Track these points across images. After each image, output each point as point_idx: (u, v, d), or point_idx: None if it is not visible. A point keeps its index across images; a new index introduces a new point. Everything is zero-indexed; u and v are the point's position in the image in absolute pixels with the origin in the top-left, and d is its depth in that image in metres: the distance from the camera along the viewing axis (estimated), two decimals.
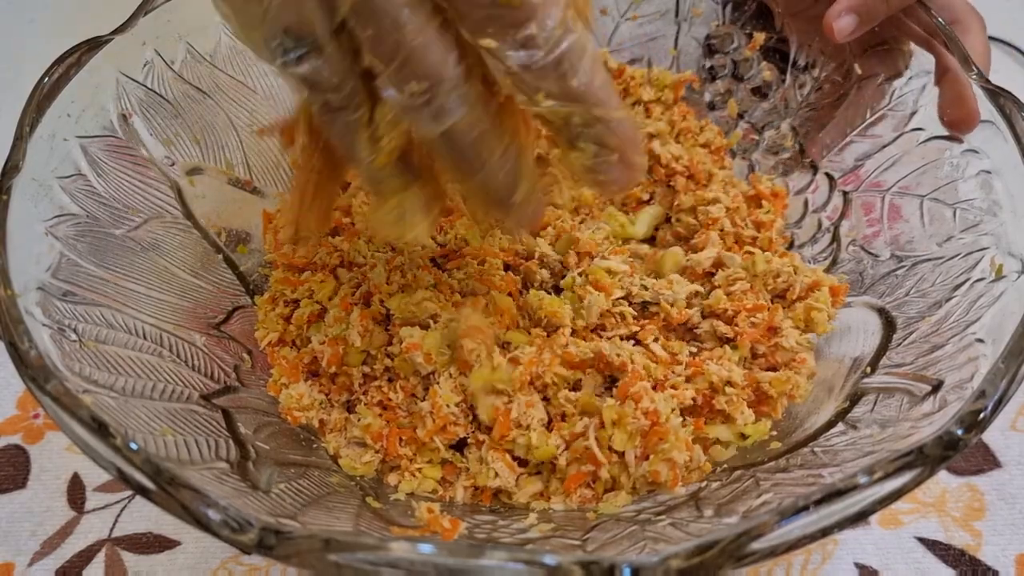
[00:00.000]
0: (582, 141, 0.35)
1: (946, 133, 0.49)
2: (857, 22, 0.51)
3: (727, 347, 0.49)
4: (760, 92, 0.63)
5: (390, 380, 0.49)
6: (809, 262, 0.55)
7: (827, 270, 0.53)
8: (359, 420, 0.48)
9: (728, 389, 0.46)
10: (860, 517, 0.30)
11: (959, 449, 0.32)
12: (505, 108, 0.35)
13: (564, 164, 0.37)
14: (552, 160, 0.41)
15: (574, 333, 0.49)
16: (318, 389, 0.49)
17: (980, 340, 0.39)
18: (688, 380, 0.47)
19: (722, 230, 0.55)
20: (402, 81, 0.32)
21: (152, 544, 0.49)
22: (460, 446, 0.47)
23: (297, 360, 0.49)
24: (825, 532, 0.30)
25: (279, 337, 0.51)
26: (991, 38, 0.55)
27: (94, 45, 0.46)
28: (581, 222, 0.55)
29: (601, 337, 0.49)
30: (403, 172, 0.37)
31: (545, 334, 0.49)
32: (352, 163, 0.37)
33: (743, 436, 0.46)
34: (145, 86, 0.50)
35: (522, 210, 0.38)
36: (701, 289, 0.51)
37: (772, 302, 0.51)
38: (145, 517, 0.50)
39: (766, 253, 0.53)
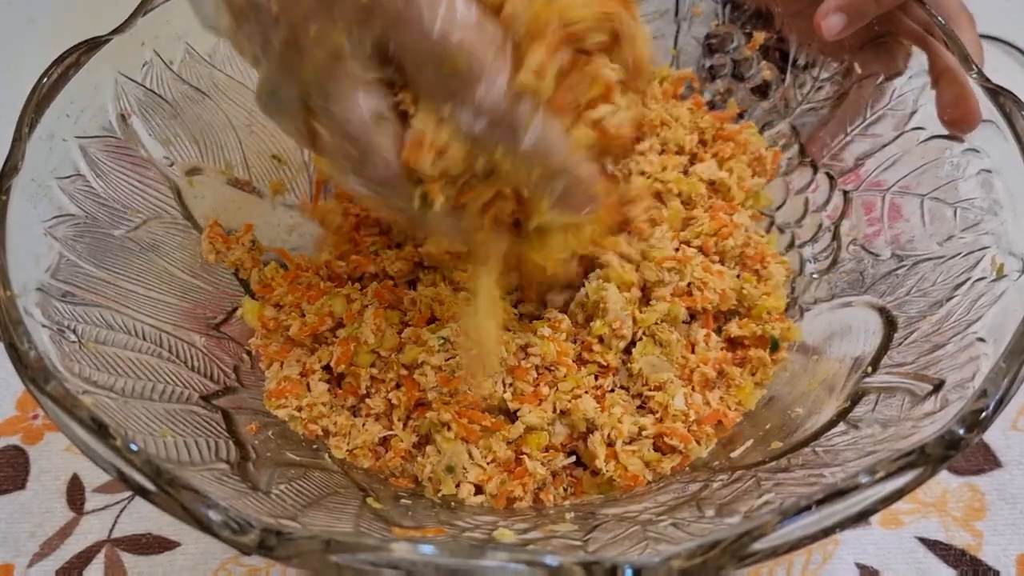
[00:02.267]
0: (545, 197, 0.38)
1: (946, 132, 0.49)
2: (846, 21, 0.51)
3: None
4: (760, 91, 0.63)
5: (398, 386, 0.49)
6: (809, 261, 0.55)
7: (828, 269, 0.53)
8: (363, 425, 0.48)
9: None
10: (862, 517, 0.30)
11: (961, 449, 0.32)
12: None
13: (539, 215, 0.40)
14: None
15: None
16: (325, 390, 0.49)
17: (981, 339, 0.39)
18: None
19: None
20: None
21: (152, 545, 0.49)
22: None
23: (298, 378, 0.49)
24: (827, 532, 0.30)
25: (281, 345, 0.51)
26: (992, 38, 0.55)
27: (93, 45, 0.46)
28: None
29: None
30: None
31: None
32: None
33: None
34: (144, 86, 0.50)
35: (481, 245, 0.42)
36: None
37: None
38: (145, 518, 0.50)
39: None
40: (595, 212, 0.40)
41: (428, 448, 0.47)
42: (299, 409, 0.48)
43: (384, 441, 0.48)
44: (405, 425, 0.48)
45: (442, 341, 0.47)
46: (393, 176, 0.36)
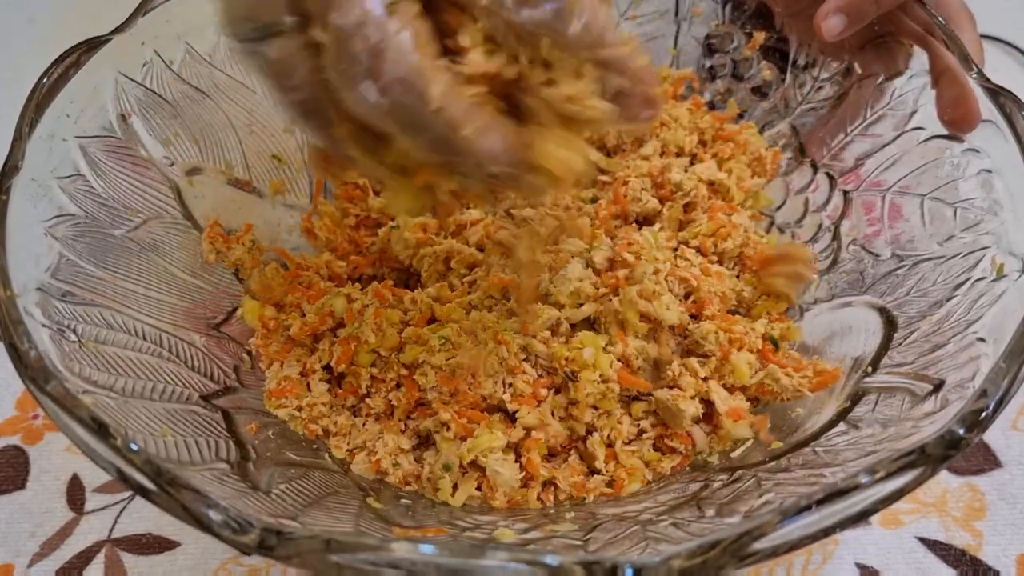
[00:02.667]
0: (598, 90, 0.34)
1: (946, 132, 0.49)
2: (846, 22, 0.52)
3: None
4: (760, 92, 0.63)
5: (398, 386, 0.49)
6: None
7: (828, 269, 0.53)
8: (364, 425, 0.48)
9: None
10: (862, 517, 0.30)
11: (961, 448, 0.32)
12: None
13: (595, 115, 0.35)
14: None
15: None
16: (325, 390, 0.49)
17: (981, 339, 0.39)
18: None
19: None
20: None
21: (152, 545, 0.49)
22: None
23: (298, 378, 0.49)
24: (827, 532, 0.30)
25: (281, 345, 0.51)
26: (992, 37, 0.55)
27: (93, 45, 0.46)
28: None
29: None
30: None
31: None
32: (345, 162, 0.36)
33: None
34: (144, 86, 0.50)
35: (528, 184, 0.36)
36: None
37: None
38: (145, 518, 0.50)
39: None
40: (656, 118, 0.38)
41: (427, 452, 0.47)
42: (299, 409, 0.48)
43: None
44: (405, 426, 0.48)
45: (443, 341, 0.47)
46: (414, 69, 0.31)
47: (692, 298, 0.51)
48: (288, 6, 0.31)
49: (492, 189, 0.37)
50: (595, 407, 0.47)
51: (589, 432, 0.47)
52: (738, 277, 0.54)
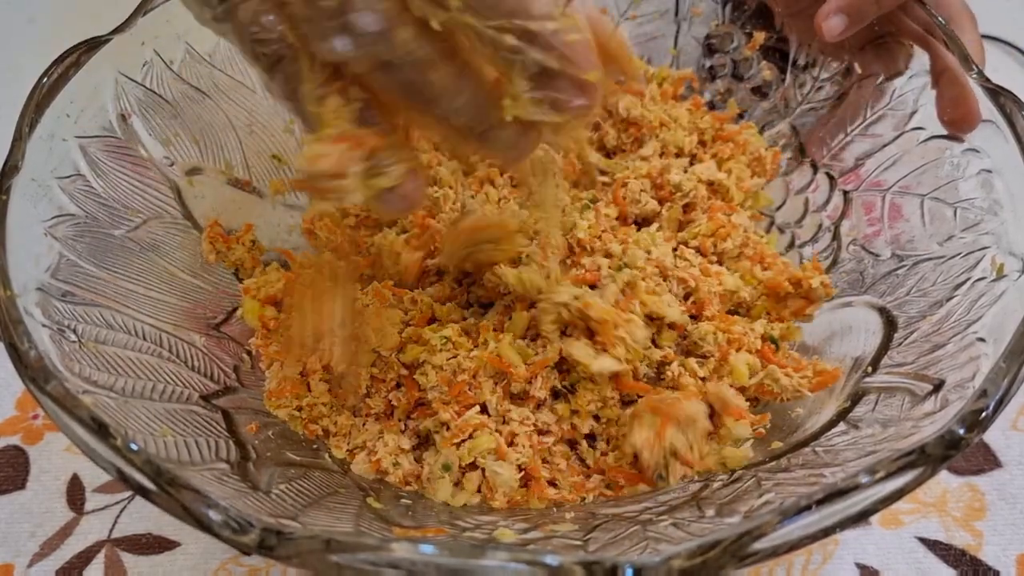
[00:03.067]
0: (518, 69, 0.31)
1: (946, 132, 0.49)
2: (847, 22, 0.52)
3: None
4: (760, 92, 0.63)
5: (398, 386, 0.49)
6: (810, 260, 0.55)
7: (828, 270, 0.53)
8: (363, 425, 0.48)
9: None
10: (862, 517, 0.30)
11: (961, 449, 0.32)
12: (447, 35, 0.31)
13: (514, 103, 0.32)
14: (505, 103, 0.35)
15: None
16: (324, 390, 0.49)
17: (981, 339, 0.39)
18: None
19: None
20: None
21: (152, 545, 0.49)
22: None
23: (298, 378, 0.49)
24: (827, 532, 0.30)
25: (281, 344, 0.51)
26: (992, 37, 0.55)
27: (93, 45, 0.46)
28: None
29: None
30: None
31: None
32: (308, 126, 0.34)
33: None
34: (144, 86, 0.50)
35: (501, 141, 0.34)
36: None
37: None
38: (145, 518, 0.50)
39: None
40: (588, 111, 0.32)
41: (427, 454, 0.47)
42: (299, 409, 0.48)
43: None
44: (405, 427, 0.48)
45: (444, 340, 0.47)
46: (383, 18, 0.29)
47: (692, 299, 0.51)
48: None
49: (467, 141, 0.35)
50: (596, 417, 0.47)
51: (591, 437, 0.47)
52: (741, 278, 0.54)
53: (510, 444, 0.46)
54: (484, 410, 0.47)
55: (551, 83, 0.31)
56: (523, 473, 0.45)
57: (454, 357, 0.47)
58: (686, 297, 0.52)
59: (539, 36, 0.30)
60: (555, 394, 0.48)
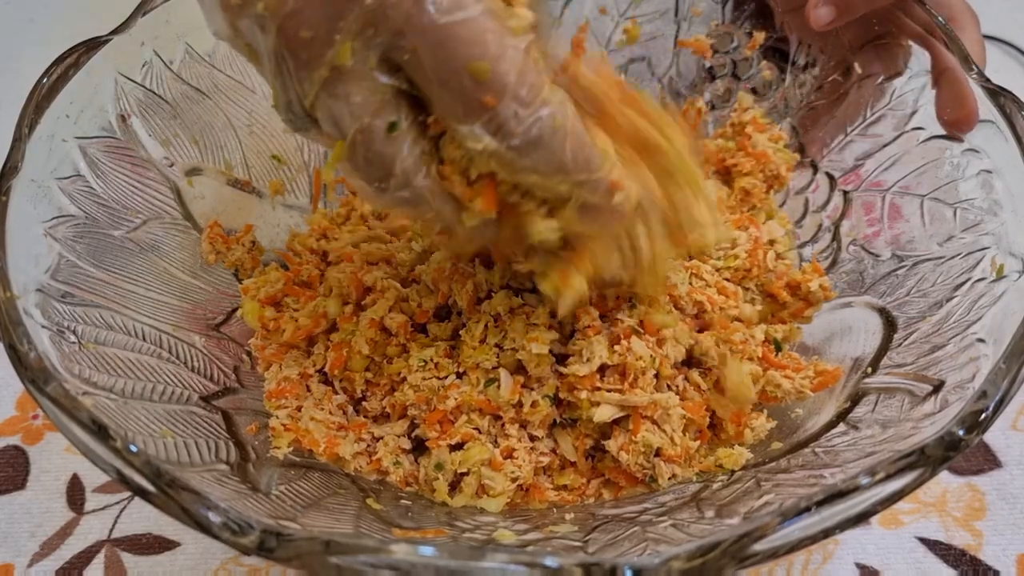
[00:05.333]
0: (569, 209, 0.35)
1: (946, 132, 0.49)
2: (835, 14, 0.52)
3: None
4: (760, 92, 0.62)
5: (392, 390, 0.48)
6: (810, 262, 0.55)
7: (828, 270, 0.53)
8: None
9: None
10: (862, 518, 0.30)
11: (961, 450, 0.32)
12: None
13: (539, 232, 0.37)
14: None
15: None
16: (321, 394, 0.49)
17: (981, 340, 0.39)
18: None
19: None
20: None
21: (152, 545, 0.49)
22: None
23: (297, 379, 0.49)
24: (827, 533, 0.30)
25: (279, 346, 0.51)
26: (991, 37, 0.55)
27: (93, 46, 0.46)
28: None
29: None
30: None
31: None
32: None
33: None
34: (144, 86, 0.50)
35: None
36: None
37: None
38: (145, 518, 0.50)
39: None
40: (613, 224, 0.38)
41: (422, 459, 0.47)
42: (299, 409, 0.48)
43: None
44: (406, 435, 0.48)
45: (423, 363, 0.47)
46: (417, 195, 0.34)
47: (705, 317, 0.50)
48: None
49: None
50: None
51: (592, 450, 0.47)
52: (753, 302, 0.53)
53: (508, 457, 0.45)
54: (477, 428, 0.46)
55: (594, 212, 0.36)
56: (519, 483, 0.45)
57: (428, 380, 0.46)
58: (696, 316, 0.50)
59: (593, 183, 0.35)
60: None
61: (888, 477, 0.30)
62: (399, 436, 0.47)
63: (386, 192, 0.34)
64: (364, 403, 0.49)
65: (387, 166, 0.33)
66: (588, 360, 0.44)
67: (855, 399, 0.43)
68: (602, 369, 0.45)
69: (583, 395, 0.44)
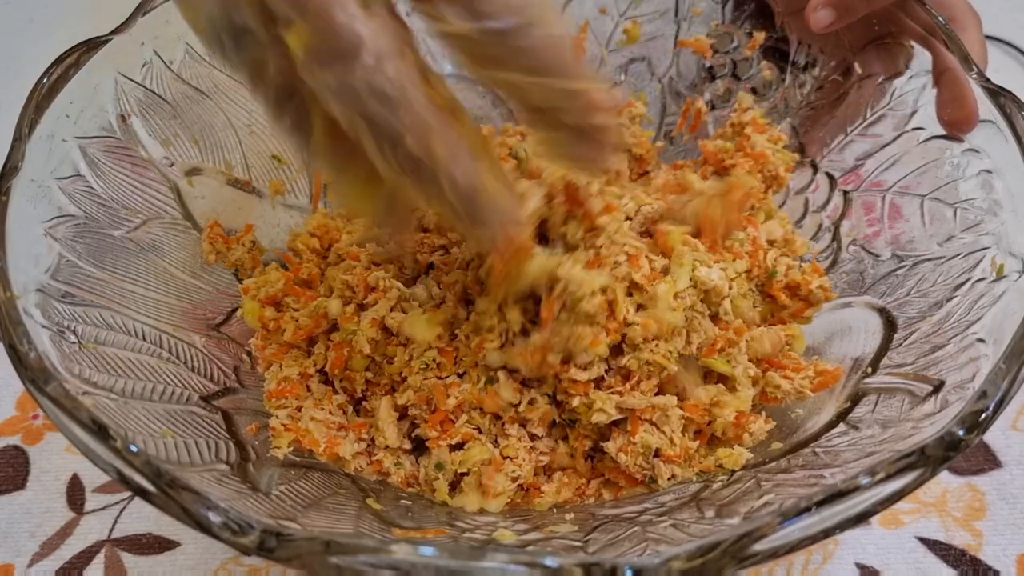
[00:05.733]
0: (547, 120, 0.34)
1: (946, 132, 0.49)
2: (835, 16, 0.52)
3: None
4: (760, 92, 0.62)
5: (392, 390, 0.48)
6: (810, 262, 0.55)
7: (828, 270, 0.53)
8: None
9: None
10: (862, 518, 0.30)
11: (961, 450, 0.32)
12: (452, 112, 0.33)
13: (540, 145, 0.36)
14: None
15: None
16: (321, 394, 0.49)
17: (981, 340, 0.39)
18: None
19: None
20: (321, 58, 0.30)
21: (152, 545, 0.49)
22: None
23: (297, 378, 0.49)
24: (827, 533, 0.30)
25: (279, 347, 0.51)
26: (991, 37, 0.55)
27: (93, 45, 0.46)
28: None
29: None
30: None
31: None
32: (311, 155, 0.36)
33: None
34: (144, 86, 0.50)
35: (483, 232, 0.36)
36: None
37: None
38: (145, 518, 0.50)
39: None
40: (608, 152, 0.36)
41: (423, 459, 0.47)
42: (299, 409, 0.48)
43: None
44: (406, 435, 0.48)
45: (424, 365, 0.47)
46: (395, 87, 0.30)
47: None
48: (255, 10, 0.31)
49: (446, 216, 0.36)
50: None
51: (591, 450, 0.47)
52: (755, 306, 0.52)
53: (508, 457, 0.45)
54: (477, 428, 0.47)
55: (578, 138, 0.35)
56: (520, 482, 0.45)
57: (428, 379, 0.46)
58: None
59: (577, 95, 0.33)
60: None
61: (888, 477, 0.30)
62: (401, 436, 0.47)
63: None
64: (364, 403, 0.49)
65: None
66: (586, 368, 0.44)
67: (855, 399, 0.43)
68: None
69: (575, 401, 0.44)
